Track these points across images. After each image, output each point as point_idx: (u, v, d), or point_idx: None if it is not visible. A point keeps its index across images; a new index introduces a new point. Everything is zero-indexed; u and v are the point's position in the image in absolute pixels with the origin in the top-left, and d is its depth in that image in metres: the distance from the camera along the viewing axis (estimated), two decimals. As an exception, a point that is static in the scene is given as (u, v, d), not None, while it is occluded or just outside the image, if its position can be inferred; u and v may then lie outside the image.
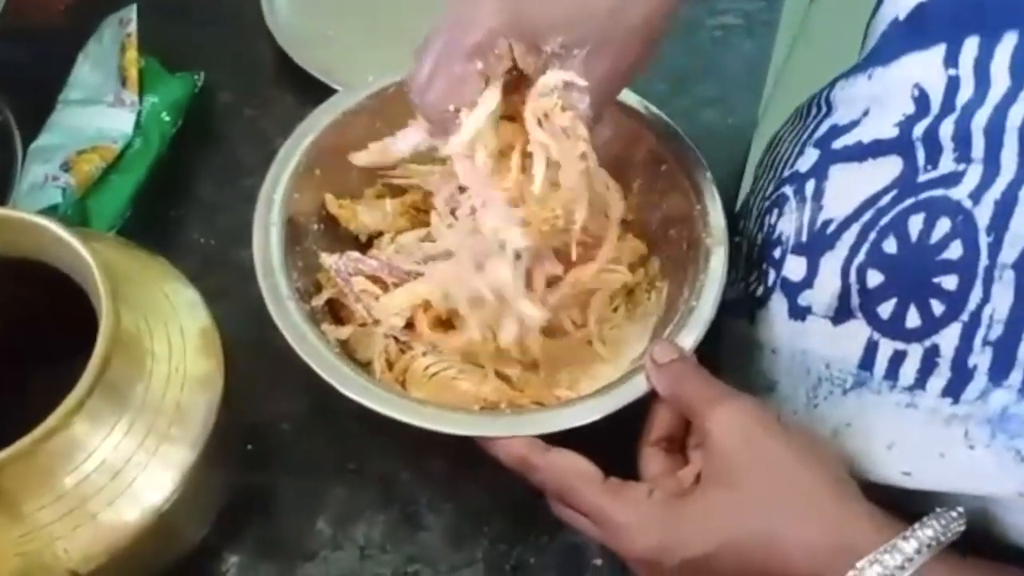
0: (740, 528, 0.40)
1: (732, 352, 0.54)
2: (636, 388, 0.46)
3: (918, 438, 0.42)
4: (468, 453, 0.46)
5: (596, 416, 0.45)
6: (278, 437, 0.55)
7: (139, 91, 0.64)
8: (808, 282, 0.47)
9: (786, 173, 0.52)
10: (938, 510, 0.39)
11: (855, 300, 0.44)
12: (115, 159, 0.61)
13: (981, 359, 0.39)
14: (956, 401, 0.40)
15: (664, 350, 0.46)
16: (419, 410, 0.46)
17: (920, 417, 0.41)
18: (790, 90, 0.62)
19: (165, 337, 0.44)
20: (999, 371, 0.39)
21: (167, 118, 0.64)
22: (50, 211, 0.57)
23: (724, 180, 0.55)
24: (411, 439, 0.46)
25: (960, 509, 0.39)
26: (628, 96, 0.56)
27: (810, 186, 0.49)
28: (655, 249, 0.56)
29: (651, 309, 0.54)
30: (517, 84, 0.46)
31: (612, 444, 0.46)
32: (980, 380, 0.39)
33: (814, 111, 0.54)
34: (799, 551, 0.39)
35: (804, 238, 0.48)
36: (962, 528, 0.39)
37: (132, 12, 0.66)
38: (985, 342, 0.39)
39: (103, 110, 0.63)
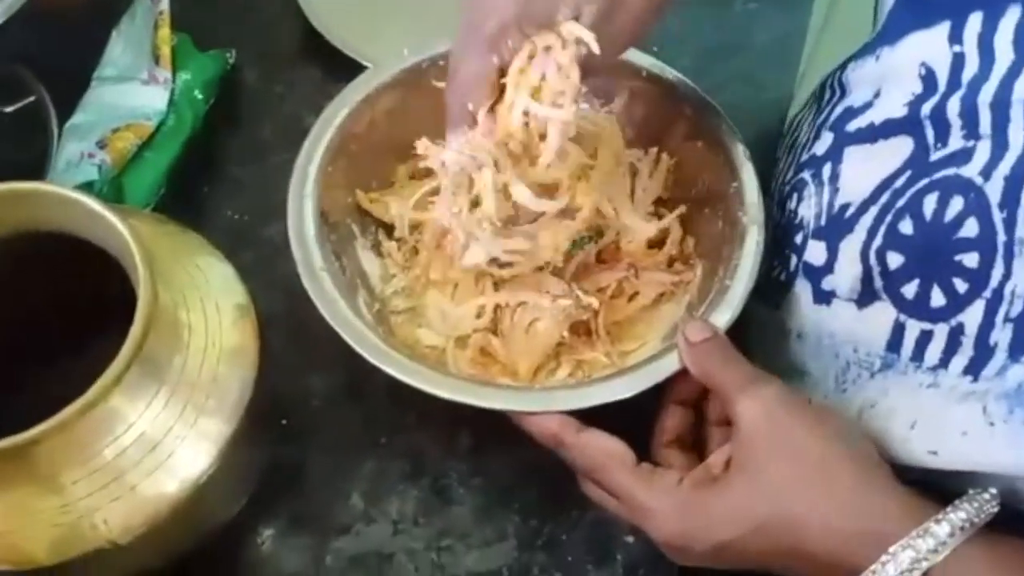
0: (768, 513, 0.40)
1: (759, 338, 0.53)
2: (668, 366, 0.46)
3: (940, 417, 0.41)
4: (499, 427, 0.46)
5: (628, 393, 0.45)
6: (311, 411, 0.56)
7: (172, 69, 0.64)
8: (829, 267, 0.47)
9: (804, 157, 0.52)
10: (971, 492, 0.39)
11: (878, 282, 0.44)
12: (149, 136, 0.61)
13: (1002, 336, 0.39)
14: (976, 379, 0.40)
15: (697, 328, 0.46)
16: (451, 383, 0.46)
17: (941, 395, 0.41)
18: (820, 69, 0.61)
19: (201, 311, 0.44)
20: (1018, 347, 0.38)
21: (200, 95, 0.64)
22: (86, 187, 0.57)
23: (759, 155, 0.54)
24: (442, 412, 0.46)
25: (993, 490, 0.39)
26: (665, 70, 0.56)
27: (827, 169, 0.49)
28: (691, 227, 0.56)
29: (685, 287, 0.54)
30: None
31: (644, 420, 0.46)
32: (1000, 357, 0.39)
33: (827, 94, 0.53)
34: (827, 535, 0.39)
35: (823, 222, 0.48)
36: (996, 509, 0.38)
37: (164, -11, 0.66)
38: (1007, 318, 0.39)
39: (137, 88, 0.63)
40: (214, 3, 0.73)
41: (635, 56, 0.55)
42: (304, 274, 0.48)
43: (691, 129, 0.55)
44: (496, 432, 0.51)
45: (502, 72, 0.46)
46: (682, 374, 0.46)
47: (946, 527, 0.38)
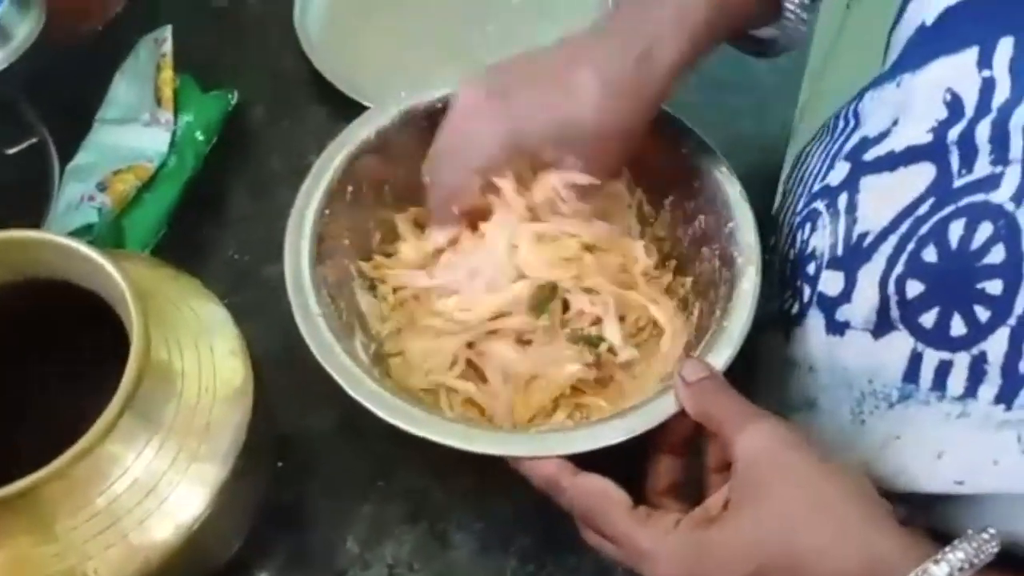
0: (769, 552, 0.40)
1: (768, 371, 0.53)
2: (665, 408, 0.46)
3: (970, 446, 0.41)
4: (496, 469, 0.46)
5: (625, 436, 0.45)
6: (308, 453, 0.56)
7: (174, 110, 0.65)
8: (847, 296, 0.46)
9: (816, 187, 0.51)
10: (970, 532, 0.38)
11: (895, 312, 0.44)
12: (150, 178, 0.62)
13: None
14: (1009, 407, 0.39)
15: (693, 368, 0.46)
16: (444, 427, 0.46)
17: (973, 425, 0.40)
18: (826, 100, 0.62)
19: (195, 356, 0.44)
20: None
21: (201, 137, 0.65)
22: (86, 230, 0.58)
23: (759, 191, 0.54)
24: (439, 456, 0.45)
25: (992, 530, 0.38)
26: (662, 110, 0.56)
27: (843, 199, 0.48)
28: (687, 267, 0.56)
29: (682, 327, 0.53)
30: None
31: (642, 463, 0.46)
32: None
33: (842, 124, 0.53)
34: (829, 573, 0.39)
35: (840, 252, 0.47)
36: (995, 550, 0.38)
37: (167, 31, 0.67)
38: None
39: (139, 129, 0.64)
40: (217, 44, 0.74)
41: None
42: (300, 317, 0.48)
43: (688, 169, 0.55)
44: (495, 474, 0.51)
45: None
46: (667, 422, 0.45)
47: (944, 568, 0.37)
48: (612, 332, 0.52)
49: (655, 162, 0.55)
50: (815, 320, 0.49)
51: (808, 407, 0.50)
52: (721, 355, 0.47)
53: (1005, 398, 0.39)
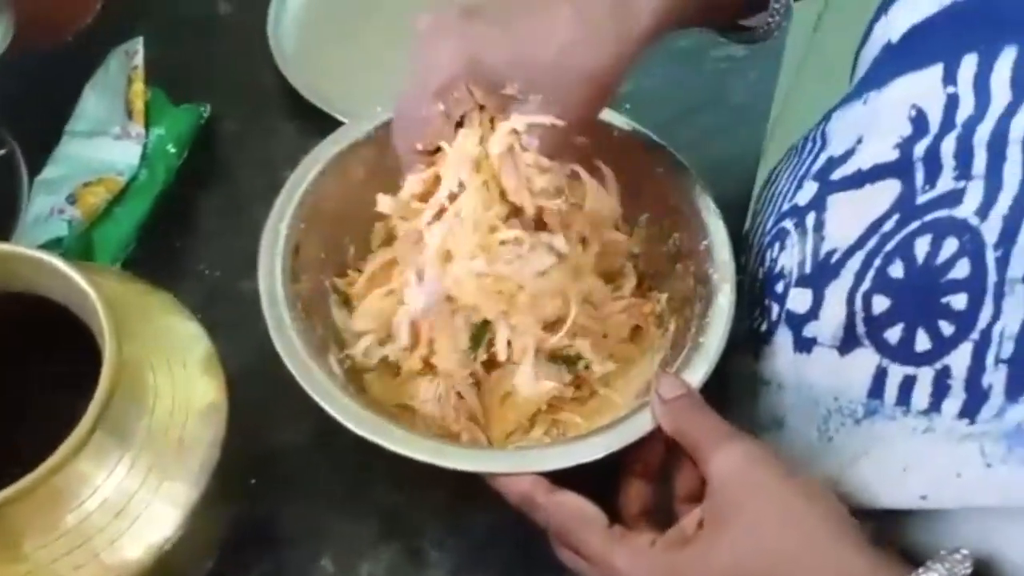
0: (744, 571, 0.40)
1: (738, 390, 0.53)
2: (642, 425, 0.46)
3: (934, 460, 0.41)
4: (474, 485, 0.46)
5: (601, 453, 0.45)
6: (282, 470, 0.55)
7: (145, 123, 0.64)
8: (814, 313, 0.47)
9: (785, 207, 0.52)
10: (942, 552, 0.38)
11: (860, 328, 0.44)
12: (120, 191, 0.61)
13: (995, 377, 0.39)
14: (972, 422, 0.39)
15: (670, 385, 0.46)
16: (419, 443, 0.45)
17: (937, 440, 0.41)
18: (795, 121, 0.62)
19: (168, 372, 0.44)
20: (1015, 388, 0.38)
21: (173, 150, 0.64)
22: (55, 243, 0.57)
23: (731, 211, 0.55)
24: (415, 472, 0.45)
25: (965, 551, 0.38)
26: (636, 129, 0.57)
27: (811, 218, 0.49)
28: (663, 284, 0.56)
29: (658, 344, 0.54)
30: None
31: (613, 478, 0.46)
32: (996, 399, 0.39)
33: (810, 145, 0.54)
34: None
35: (808, 269, 0.48)
36: (968, 571, 0.38)
37: (138, 44, 0.67)
38: (998, 360, 0.38)
39: (109, 142, 0.63)
40: (190, 57, 0.73)
41: (606, 114, 0.56)
42: (274, 333, 0.48)
43: (663, 187, 0.56)
44: (471, 490, 0.51)
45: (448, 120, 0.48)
46: (639, 445, 0.45)
47: None
48: (524, 377, 0.51)
49: (631, 180, 0.56)
50: (783, 338, 0.49)
51: (777, 426, 0.50)
52: (697, 372, 0.48)
53: (968, 412, 0.40)
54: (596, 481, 0.45)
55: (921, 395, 0.41)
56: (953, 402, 0.40)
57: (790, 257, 0.49)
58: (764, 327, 0.51)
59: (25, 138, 0.63)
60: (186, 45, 0.74)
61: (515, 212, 0.49)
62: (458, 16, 0.48)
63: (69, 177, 0.61)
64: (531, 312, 0.50)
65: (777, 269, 0.50)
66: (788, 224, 0.50)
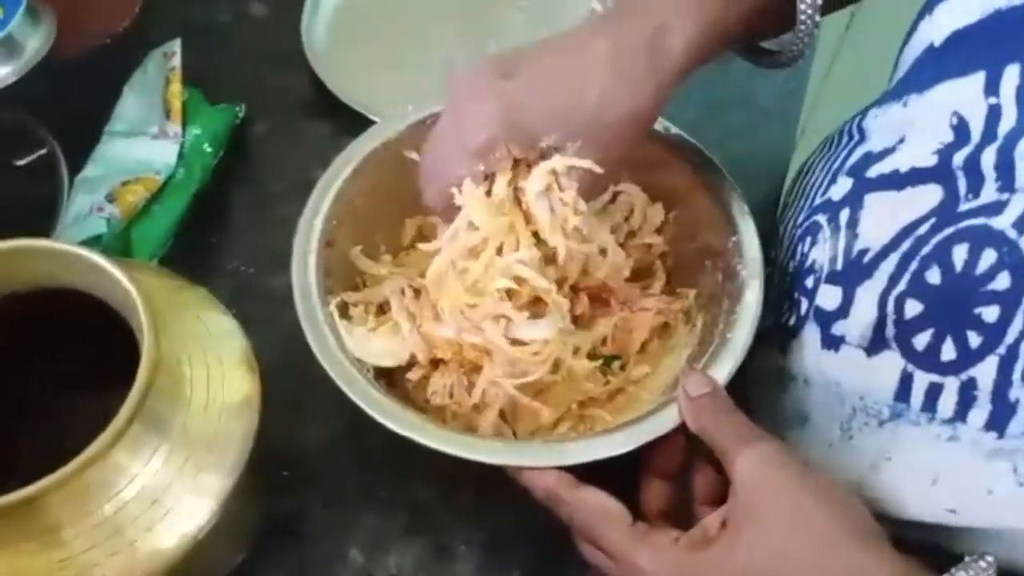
0: (752, 572, 0.40)
1: (763, 383, 0.53)
2: (668, 420, 0.46)
3: (964, 473, 0.41)
4: (502, 482, 0.46)
5: (628, 447, 0.45)
6: (313, 464, 0.56)
7: (182, 123, 0.65)
8: (844, 311, 0.46)
9: (818, 201, 0.52)
10: (967, 559, 0.38)
11: (890, 330, 0.44)
12: (158, 190, 0.62)
13: (1023, 393, 0.38)
14: (1001, 435, 0.39)
15: (698, 382, 0.46)
16: (448, 437, 0.46)
17: (964, 450, 0.41)
18: (826, 120, 0.62)
19: (204, 365, 0.45)
20: None
21: (209, 149, 0.66)
22: (94, 241, 0.58)
23: (759, 210, 0.55)
24: (444, 466, 0.46)
25: (990, 558, 0.38)
26: (667, 127, 0.57)
27: (844, 214, 0.48)
28: (691, 280, 0.56)
29: (686, 340, 0.54)
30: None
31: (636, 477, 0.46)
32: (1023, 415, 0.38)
33: (845, 139, 0.53)
34: None
35: (839, 267, 0.47)
36: None
37: (176, 45, 0.68)
38: None
39: (147, 142, 0.64)
40: (225, 58, 0.75)
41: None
42: (307, 327, 0.49)
43: (691, 184, 0.56)
44: (499, 487, 0.51)
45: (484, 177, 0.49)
46: (659, 444, 0.45)
47: None
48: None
49: (660, 177, 0.56)
50: (811, 334, 0.49)
51: (801, 422, 0.50)
52: (724, 367, 0.48)
53: (996, 425, 0.39)
54: (621, 478, 0.45)
55: (947, 403, 0.41)
56: (979, 413, 0.40)
57: (822, 252, 0.49)
58: (792, 321, 0.50)
59: (65, 138, 0.65)
60: (221, 47, 0.75)
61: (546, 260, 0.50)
62: (492, 73, 0.48)
63: (108, 176, 0.62)
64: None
65: (808, 264, 0.50)
66: (821, 218, 0.50)
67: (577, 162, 0.47)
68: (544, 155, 0.48)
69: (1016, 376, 0.39)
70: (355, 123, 0.65)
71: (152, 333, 0.40)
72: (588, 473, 0.45)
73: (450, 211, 0.49)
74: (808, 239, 0.51)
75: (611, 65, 0.47)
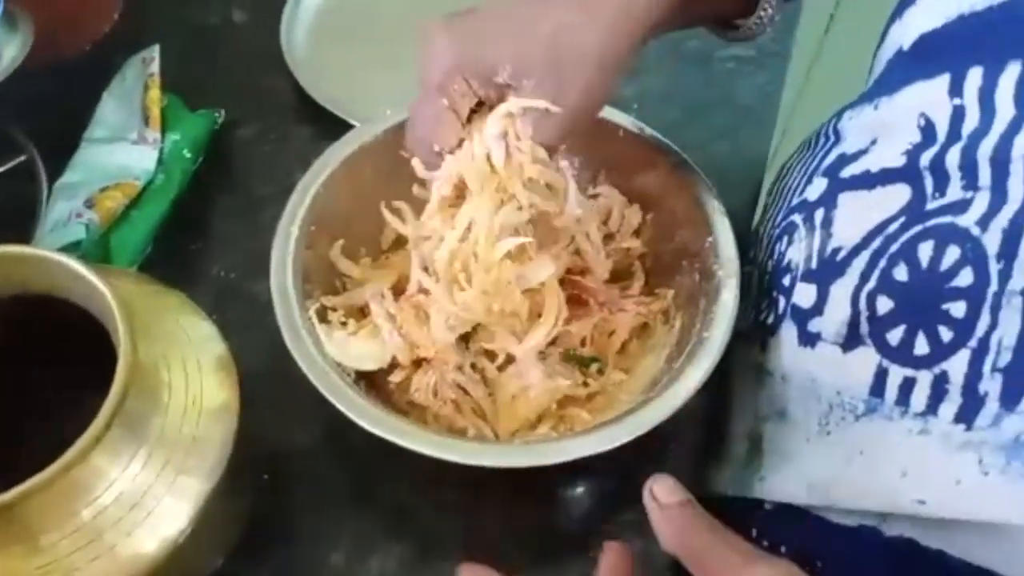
0: None
1: (743, 380, 0.54)
2: (647, 419, 0.46)
3: (933, 465, 0.41)
4: (485, 483, 0.46)
5: (607, 447, 0.45)
6: (294, 467, 0.56)
7: (161, 129, 0.65)
8: (818, 309, 0.47)
9: (795, 202, 0.52)
10: None
11: (864, 327, 0.44)
12: (137, 195, 0.62)
13: (991, 385, 0.39)
14: (969, 427, 0.40)
15: (667, 489, 0.40)
16: (429, 438, 0.46)
17: (934, 443, 0.41)
18: (806, 123, 0.63)
19: (182, 370, 0.45)
20: (1010, 397, 0.38)
21: (188, 155, 0.66)
22: (73, 247, 0.58)
23: (737, 211, 0.55)
24: (427, 468, 0.46)
25: None
26: (642, 129, 0.57)
27: (819, 214, 0.49)
28: (669, 281, 0.57)
29: (664, 341, 0.54)
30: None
31: (627, 474, 0.46)
32: (992, 406, 0.39)
33: (822, 141, 0.54)
34: None
35: (814, 265, 0.48)
36: None
37: (155, 51, 0.68)
38: (994, 368, 0.39)
39: (126, 148, 0.64)
40: (205, 64, 0.75)
41: (613, 115, 0.57)
42: (286, 331, 0.49)
43: (667, 185, 0.56)
44: (482, 488, 0.52)
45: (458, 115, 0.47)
46: (642, 439, 0.45)
47: None
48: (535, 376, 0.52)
49: (637, 178, 0.56)
50: (788, 331, 0.49)
51: (779, 417, 0.50)
52: (701, 366, 0.48)
53: (965, 418, 0.40)
54: (606, 474, 0.45)
55: (920, 397, 0.42)
56: (949, 406, 0.40)
57: (797, 251, 0.50)
58: (771, 319, 0.51)
59: (44, 144, 0.65)
60: (201, 52, 0.75)
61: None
62: (454, 14, 0.48)
63: (87, 182, 0.62)
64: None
65: (785, 262, 0.51)
66: (797, 218, 0.51)
67: (531, 103, 0.45)
68: (501, 97, 0.46)
69: (986, 369, 0.39)
70: (336, 127, 0.65)
71: (129, 338, 0.40)
72: (570, 473, 0.45)
73: (429, 158, 0.48)
74: (785, 239, 0.52)
75: (580, 3, 0.45)
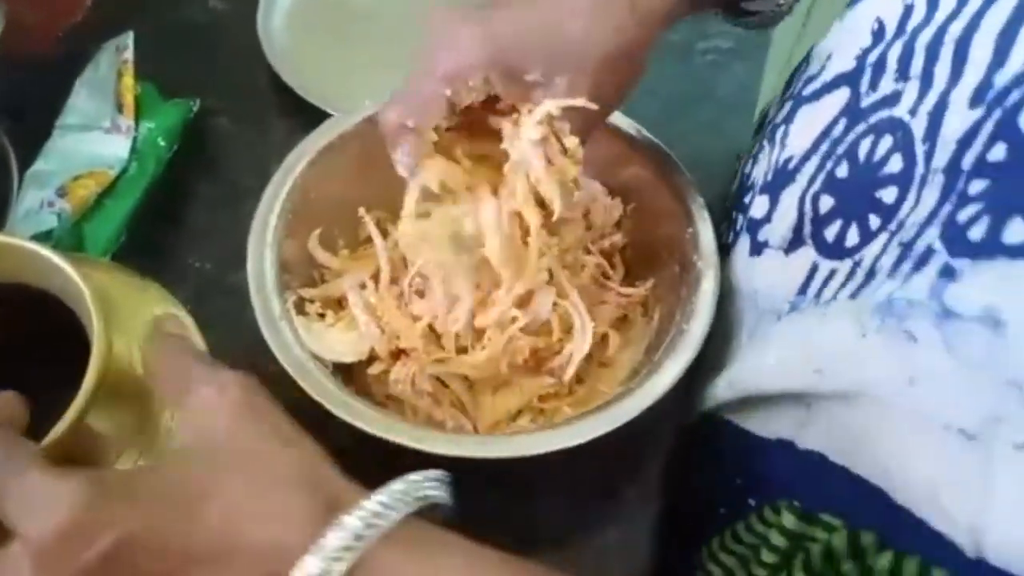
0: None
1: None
2: (626, 411, 0.46)
3: (824, 337, 0.41)
4: (468, 476, 0.46)
5: (586, 438, 0.46)
6: (272, 461, 0.55)
7: (135, 117, 0.64)
8: (769, 217, 0.48)
9: (768, 129, 0.54)
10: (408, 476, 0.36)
11: (807, 228, 0.45)
12: (110, 184, 0.61)
13: (886, 260, 0.39)
14: (854, 298, 0.40)
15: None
16: (409, 431, 0.46)
17: (829, 319, 0.41)
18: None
19: (157, 362, 0.44)
20: (895, 265, 0.39)
21: (163, 143, 0.65)
22: (45, 236, 0.57)
23: (717, 202, 0.56)
24: (406, 460, 0.46)
25: (438, 473, 0.36)
26: (621, 120, 0.57)
27: (780, 131, 0.50)
28: (648, 273, 0.57)
29: (643, 332, 0.54)
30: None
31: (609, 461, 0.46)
32: (880, 277, 0.39)
33: (797, 74, 0.55)
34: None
35: (770, 177, 0.49)
36: (431, 492, 0.36)
37: (129, 39, 0.67)
38: (900, 243, 0.39)
39: (99, 136, 0.63)
40: (184, 52, 0.74)
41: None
42: (263, 323, 0.49)
43: (646, 177, 0.56)
44: (465, 481, 0.51)
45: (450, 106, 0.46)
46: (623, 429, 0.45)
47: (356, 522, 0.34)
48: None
49: (617, 171, 0.56)
50: (743, 244, 0.50)
51: (724, 340, 0.51)
52: (680, 358, 0.48)
53: (857, 293, 0.40)
54: (582, 463, 0.45)
55: (833, 286, 0.42)
56: (851, 287, 0.41)
57: (759, 169, 0.51)
58: (730, 238, 0.52)
59: (16, 133, 0.63)
60: (179, 41, 0.74)
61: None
62: (470, 8, 0.46)
63: (59, 171, 0.61)
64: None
65: (748, 182, 0.52)
66: (764, 141, 0.52)
67: (571, 102, 0.44)
68: (524, 96, 0.46)
69: (892, 246, 0.39)
70: (315, 118, 0.64)
71: (103, 329, 0.40)
72: (553, 463, 0.45)
73: (399, 130, 0.46)
74: (751, 161, 0.53)
75: (593, 2, 0.46)
